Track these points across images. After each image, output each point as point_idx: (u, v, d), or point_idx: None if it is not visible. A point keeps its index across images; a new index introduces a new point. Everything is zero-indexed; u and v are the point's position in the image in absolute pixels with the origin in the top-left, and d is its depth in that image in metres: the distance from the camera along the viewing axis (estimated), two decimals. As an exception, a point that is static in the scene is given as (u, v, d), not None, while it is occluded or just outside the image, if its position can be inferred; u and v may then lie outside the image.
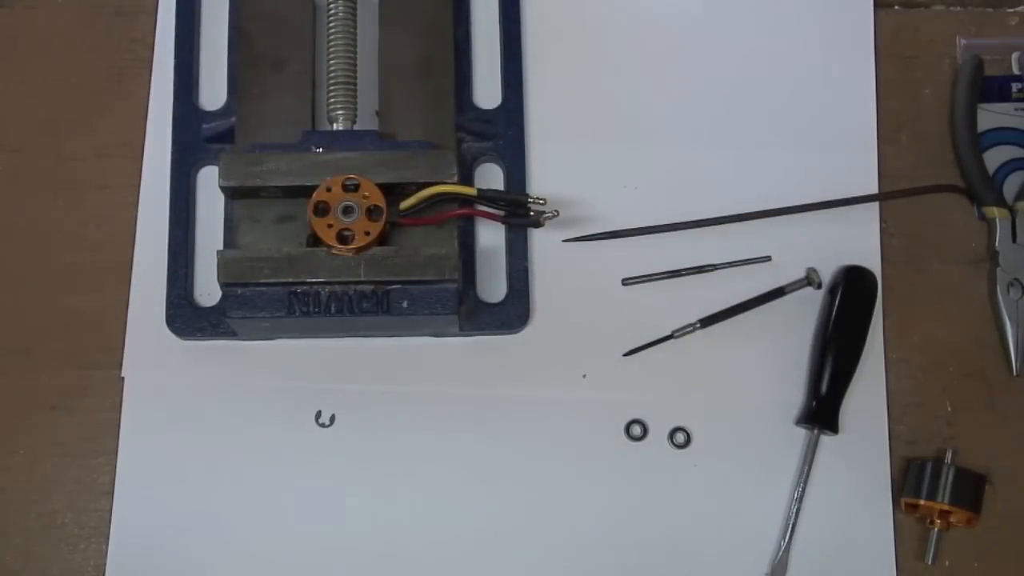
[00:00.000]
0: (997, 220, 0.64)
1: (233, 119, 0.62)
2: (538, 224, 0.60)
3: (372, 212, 0.57)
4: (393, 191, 0.57)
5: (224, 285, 0.57)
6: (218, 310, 0.61)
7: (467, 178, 0.63)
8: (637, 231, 0.63)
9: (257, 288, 0.57)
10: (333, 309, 0.57)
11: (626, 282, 0.63)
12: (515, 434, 0.61)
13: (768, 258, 0.63)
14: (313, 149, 0.59)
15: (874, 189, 0.65)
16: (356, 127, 0.61)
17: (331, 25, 0.62)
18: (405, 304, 0.57)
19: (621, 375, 0.62)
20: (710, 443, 0.62)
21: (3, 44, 0.66)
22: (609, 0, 0.67)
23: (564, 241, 0.63)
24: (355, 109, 0.62)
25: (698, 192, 0.64)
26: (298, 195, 0.58)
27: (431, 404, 0.62)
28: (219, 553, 0.60)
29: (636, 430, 0.62)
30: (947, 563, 0.61)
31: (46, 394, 0.61)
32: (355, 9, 0.63)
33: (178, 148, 0.63)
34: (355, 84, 0.62)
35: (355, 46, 0.62)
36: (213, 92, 0.65)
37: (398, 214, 0.58)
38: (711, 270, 0.63)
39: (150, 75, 0.65)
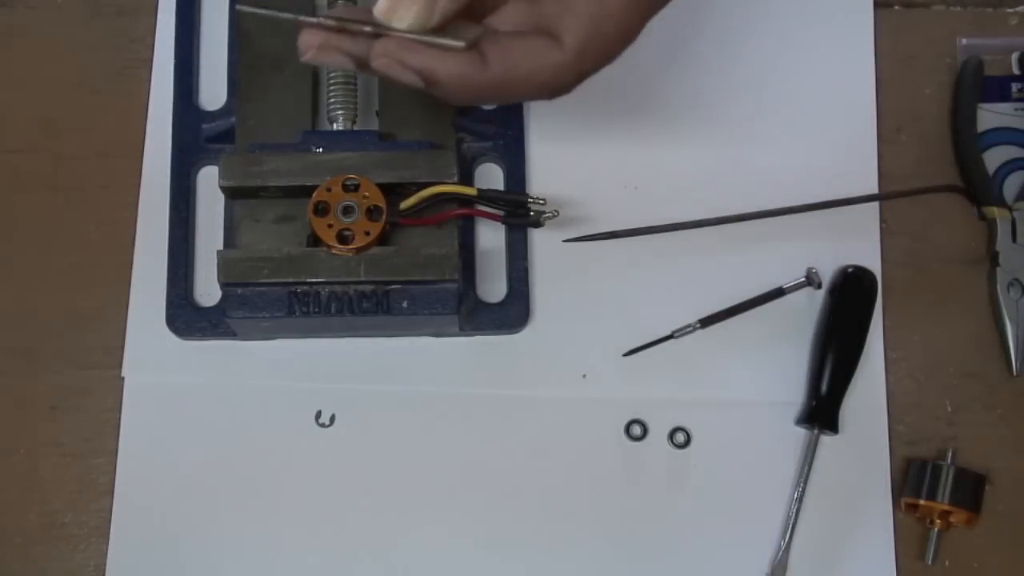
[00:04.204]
0: (997, 220, 0.64)
1: (233, 119, 0.62)
2: (538, 224, 0.60)
3: (372, 212, 0.57)
4: (393, 191, 0.57)
5: (224, 285, 0.57)
6: (218, 310, 0.61)
7: (467, 178, 0.63)
8: (637, 231, 0.63)
9: (257, 288, 0.57)
10: (333, 309, 0.57)
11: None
12: (515, 434, 0.61)
13: None
14: (313, 149, 0.59)
15: (874, 189, 0.65)
16: (356, 127, 0.61)
17: (331, 25, 0.62)
18: (405, 304, 0.57)
19: (621, 375, 0.62)
20: (710, 443, 0.62)
21: (3, 44, 0.66)
22: (609, 0, 0.67)
23: (564, 241, 0.63)
24: (355, 109, 0.62)
25: (698, 192, 0.64)
26: (298, 195, 0.58)
27: (431, 404, 0.62)
28: (219, 553, 0.60)
29: (636, 430, 0.62)
30: (947, 563, 0.61)
31: (46, 394, 0.61)
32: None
33: (178, 148, 0.63)
34: (355, 84, 0.62)
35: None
36: (213, 92, 0.65)
37: (398, 214, 0.58)
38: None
39: (150, 75, 0.65)
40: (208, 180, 0.63)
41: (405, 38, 0.45)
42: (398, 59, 0.45)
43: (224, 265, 0.57)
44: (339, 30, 0.46)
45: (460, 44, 0.44)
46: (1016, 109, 0.67)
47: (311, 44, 0.46)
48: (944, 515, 0.60)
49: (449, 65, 0.44)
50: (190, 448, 0.61)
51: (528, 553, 0.60)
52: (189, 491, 0.60)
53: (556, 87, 0.47)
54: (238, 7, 0.49)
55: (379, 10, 0.44)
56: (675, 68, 0.67)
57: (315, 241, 0.57)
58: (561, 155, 0.64)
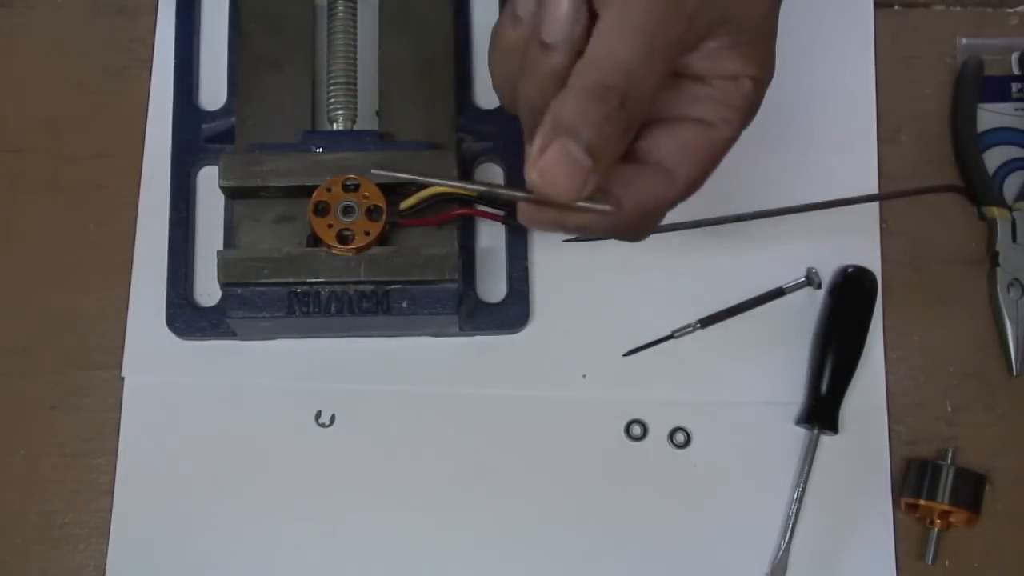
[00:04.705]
0: (997, 220, 0.64)
1: (233, 119, 0.62)
2: (538, 224, 0.60)
3: (372, 212, 0.57)
4: (393, 191, 0.57)
5: (224, 285, 0.57)
6: (218, 310, 0.61)
7: (467, 178, 0.63)
8: (637, 231, 0.63)
9: (257, 288, 0.57)
10: (333, 309, 0.57)
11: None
12: (515, 434, 0.61)
13: None
14: (313, 149, 0.59)
15: (874, 189, 0.65)
16: (356, 127, 0.61)
17: (331, 25, 0.62)
18: (405, 304, 0.57)
19: (621, 375, 0.62)
20: (710, 443, 0.62)
21: (3, 44, 0.66)
22: (609, 0, 0.67)
23: (564, 241, 0.63)
24: (355, 109, 0.62)
25: (698, 192, 0.64)
26: (298, 195, 0.58)
27: (431, 404, 0.62)
28: (219, 553, 0.60)
29: (636, 430, 0.62)
30: (947, 563, 0.61)
31: (46, 394, 0.61)
32: (355, 9, 0.63)
33: (178, 148, 0.63)
34: (355, 84, 0.62)
35: (355, 46, 0.62)
36: (213, 92, 0.65)
37: (398, 214, 0.58)
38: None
39: (150, 75, 0.65)
40: (208, 180, 0.63)
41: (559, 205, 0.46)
42: (559, 223, 0.47)
43: (224, 265, 0.57)
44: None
45: (609, 208, 0.46)
46: (1016, 109, 0.67)
47: (537, 220, 0.48)
48: (944, 515, 0.60)
49: (598, 219, 0.47)
50: (190, 448, 0.61)
51: (528, 553, 0.60)
52: (189, 491, 0.60)
53: (663, 216, 0.51)
54: (373, 171, 0.54)
55: (533, 185, 0.44)
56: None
57: (315, 241, 0.57)
58: (561, 155, 0.64)
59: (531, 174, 0.44)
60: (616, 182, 0.46)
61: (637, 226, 0.50)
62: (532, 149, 0.44)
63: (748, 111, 0.48)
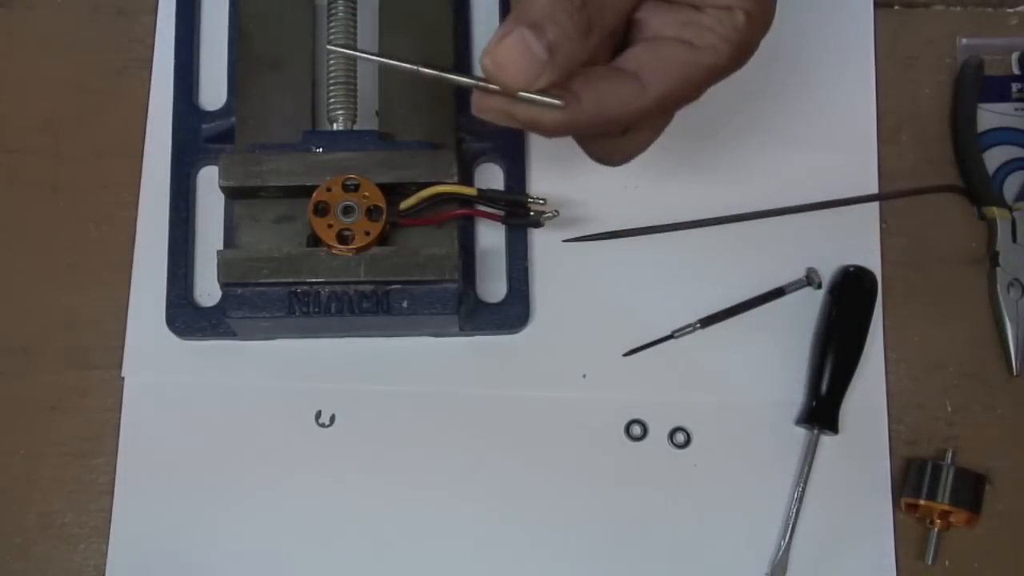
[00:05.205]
0: (997, 220, 0.64)
1: (233, 119, 0.62)
2: (538, 224, 0.60)
3: (372, 212, 0.57)
4: (393, 191, 0.57)
5: (224, 285, 0.57)
6: (218, 310, 0.61)
7: (467, 178, 0.63)
8: (637, 231, 0.63)
9: (257, 288, 0.57)
10: (333, 309, 0.57)
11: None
12: (515, 434, 0.61)
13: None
14: (313, 149, 0.59)
15: (874, 189, 0.65)
16: (356, 127, 0.61)
17: (331, 25, 0.62)
18: (405, 304, 0.57)
19: (621, 375, 0.62)
20: (710, 443, 0.62)
21: (3, 44, 0.66)
22: (609, 0, 0.67)
23: (564, 241, 0.63)
24: (355, 109, 0.62)
25: (698, 192, 0.64)
26: (298, 195, 0.58)
27: (431, 404, 0.62)
28: (219, 553, 0.60)
29: (636, 430, 0.62)
30: (947, 563, 0.61)
31: (46, 394, 0.61)
32: (355, 9, 0.63)
33: (178, 148, 0.63)
34: (355, 84, 0.62)
35: (355, 46, 0.62)
36: (213, 92, 0.65)
37: (398, 214, 0.58)
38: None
39: (150, 75, 0.65)
40: (208, 180, 0.63)
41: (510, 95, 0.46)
42: (507, 112, 0.47)
43: (224, 265, 0.57)
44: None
45: (559, 103, 0.46)
46: (1016, 109, 0.67)
47: (486, 108, 0.47)
48: (944, 515, 0.60)
49: (550, 114, 0.46)
50: (190, 448, 0.61)
51: (528, 552, 0.60)
52: (189, 491, 0.60)
53: (632, 125, 0.50)
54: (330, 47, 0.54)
55: (485, 69, 0.45)
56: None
57: (315, 241, 0.57)
58: (561, 155, 0.64)
59: (485, 59, 0.45)
60: (578, 78, 0.46)
61: (598, 132, 0.50)
62: (492, 38, 0.44)
63: (739, 45, 0.48)
